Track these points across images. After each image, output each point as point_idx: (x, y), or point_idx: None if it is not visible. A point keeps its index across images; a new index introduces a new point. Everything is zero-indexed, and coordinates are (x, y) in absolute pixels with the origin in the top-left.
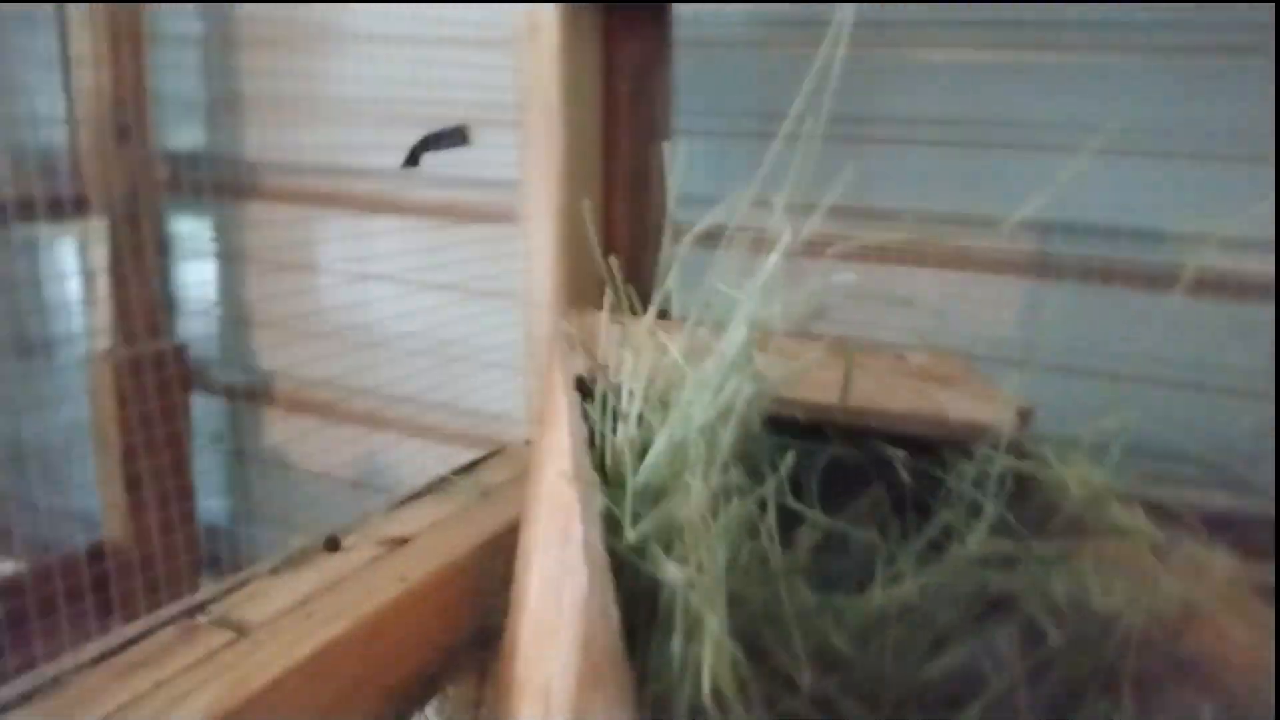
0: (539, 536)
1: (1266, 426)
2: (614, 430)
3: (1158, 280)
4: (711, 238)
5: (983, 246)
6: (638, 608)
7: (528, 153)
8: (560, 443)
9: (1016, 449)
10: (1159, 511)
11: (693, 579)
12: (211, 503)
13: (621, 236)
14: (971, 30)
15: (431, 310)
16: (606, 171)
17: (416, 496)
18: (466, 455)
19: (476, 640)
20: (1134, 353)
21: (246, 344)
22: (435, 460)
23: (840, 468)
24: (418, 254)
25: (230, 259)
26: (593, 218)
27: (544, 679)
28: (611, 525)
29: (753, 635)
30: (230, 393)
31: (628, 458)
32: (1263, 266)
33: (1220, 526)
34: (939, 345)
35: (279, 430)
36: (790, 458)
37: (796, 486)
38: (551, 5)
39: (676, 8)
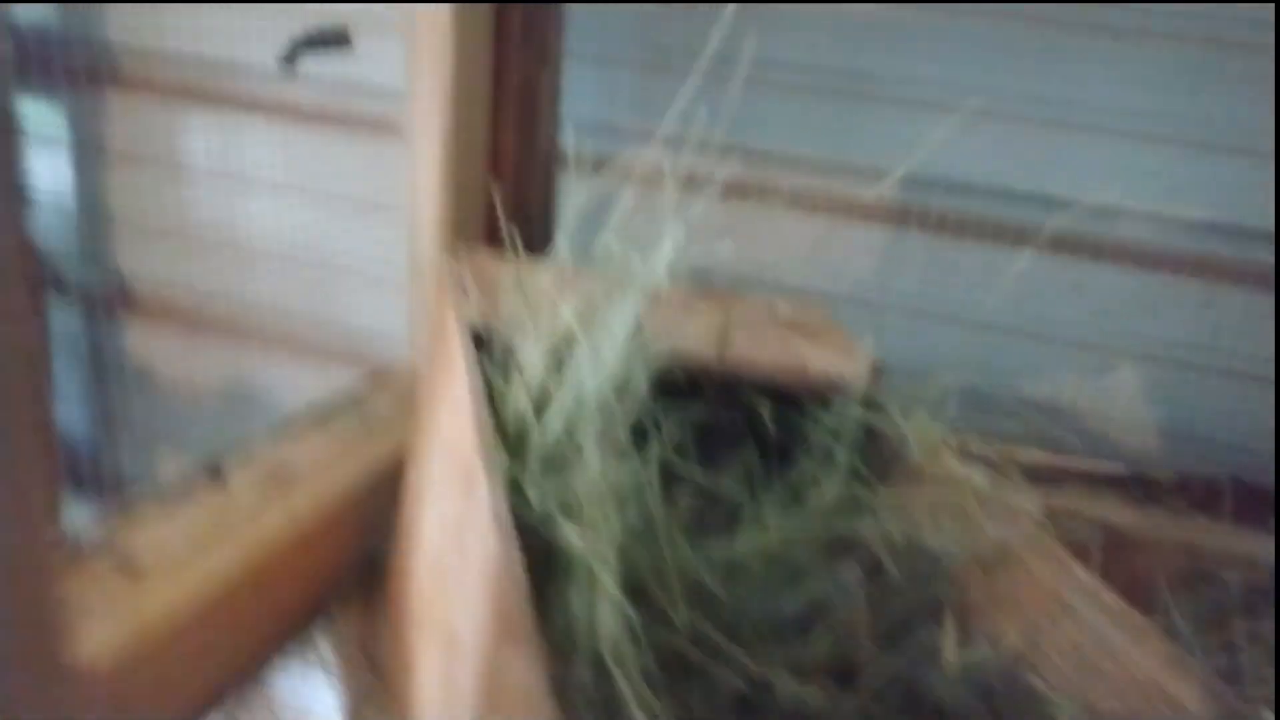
0: (434, 477)
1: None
2: (508, 382)
3: (1009, 236)
4: (603, 167)
5: (851, 194)
6: (538, 565)
7: (415, 68)
8: (457, 394)
9: (868, 402)
10: (985, 460)
11: (591, 545)
12: (70, 414)
13: (508, 163)
14: None
15: (306, 221)
16: (495, 93)
17: (299, 425)
18: (342, 374)
19: (362, 569)
20: (981, 303)
21: (104, 245)
22: (309, 377)
23: (716, 416)
24: (293, 160)
25: (85, 151)
26: (480, 141)
27: (447, 622)
28: (513, 484)
29: (639, 584)
30: (86, 297)
31: (527, 422)
32: (1105, 228)
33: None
34: (805, 287)
35: (140, 339)
36: (671, 424)
37: (678, 441)
38: None
39: None
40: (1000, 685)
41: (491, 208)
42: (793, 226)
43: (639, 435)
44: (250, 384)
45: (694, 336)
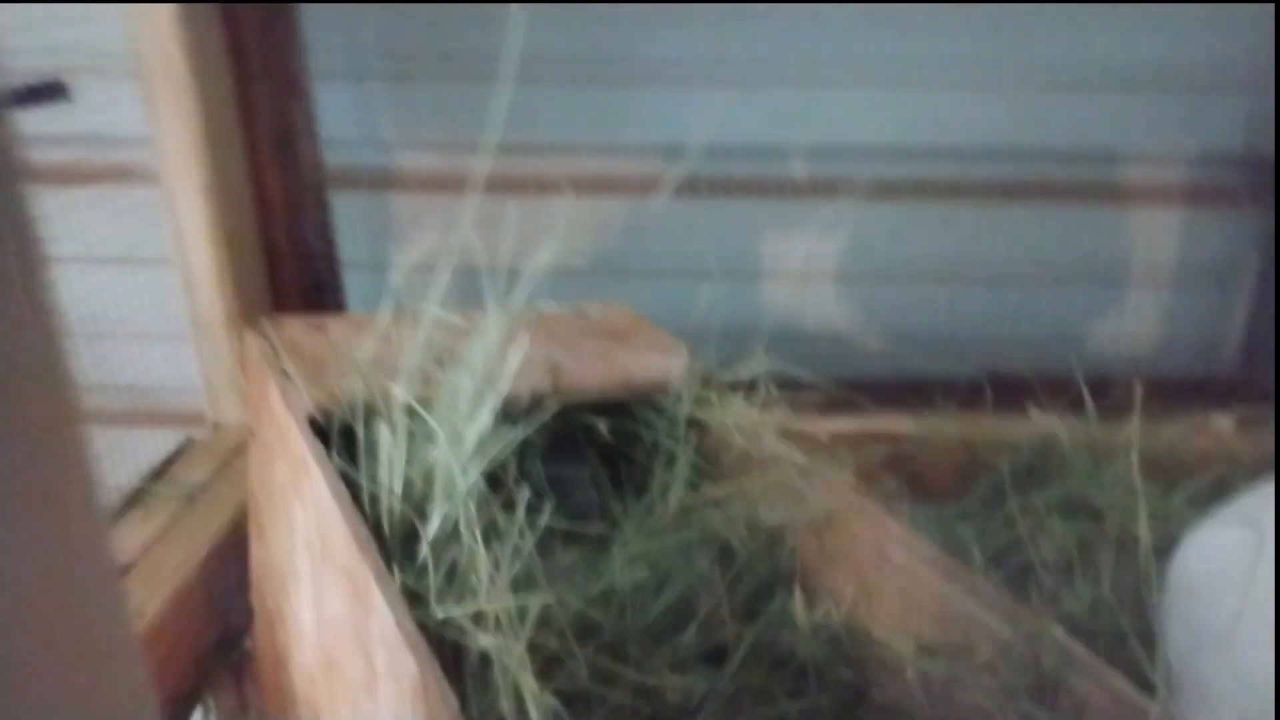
0: (300, 573)
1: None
2: (360, 470)
3: (770, 188)
4: (384, 183)
5: (625, 171)
6: (448, 667)
7: (159, 123)
8: (314, 494)
9: (692, 397)
10: (799, 433)
11: (504, 647)
12: None
13: (275, 197)
14: None
15: (76, 292)
16: (248, 131)
17: (118, 513)
18: (146, 437)
19: (224, 646)
20: (753, 253)
21: None
22: (113, 447)
23: (556, 440)
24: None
25: None
26: (242, 182)
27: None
28: (403, 588)
29: (534, 644)
30: None
31: (395, 516)
32: (850, 169)
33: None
34: (597, 268)
35: None
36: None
37: (526, 470)
38: None
39: None
40: (845, 634)
41: (270, 249)
42: (577, 211)
43: (493, 483)
44: None
45: (524, 372)
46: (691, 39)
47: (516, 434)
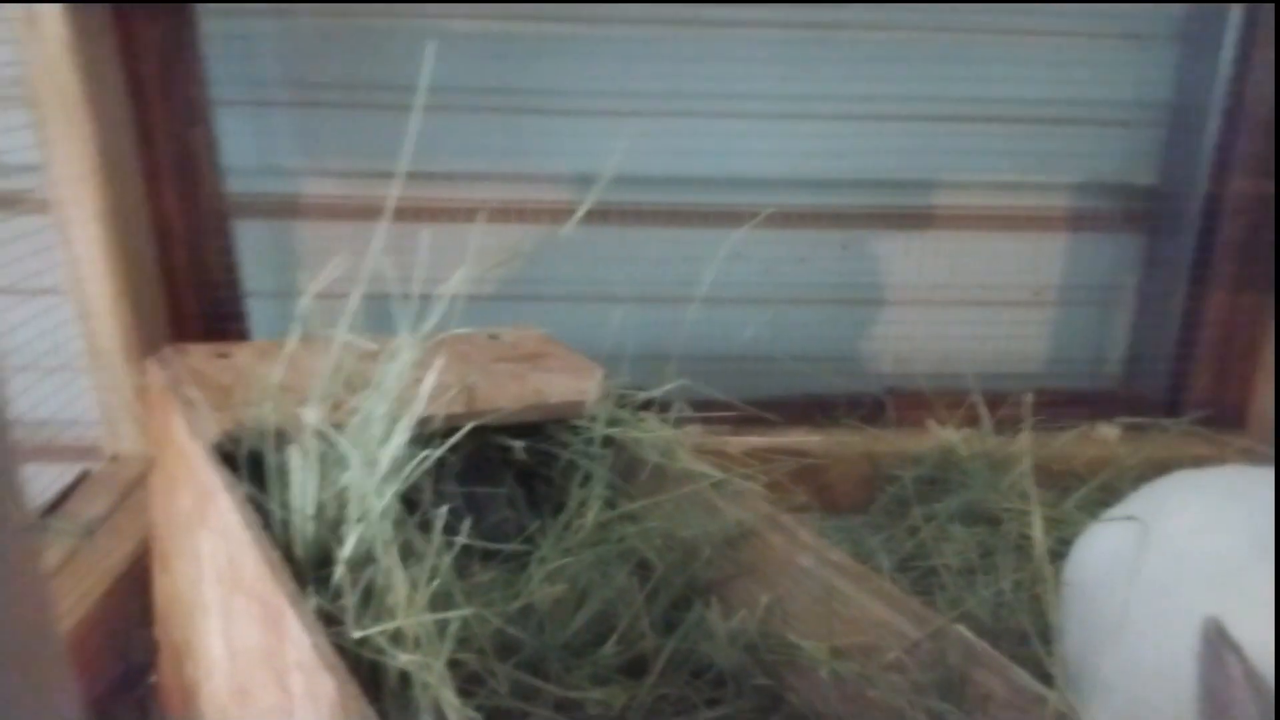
0: (208, 602)
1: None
2: (271, 496)
3: (677, 218)
4: (288, 210)
5: (530, 200)
6: (367, 687)
7: (51, 150)
8: (222, 521)
9: (606, 416)
10: (712, 450)
11: (423, 666)
12: None
13: (176, 226)
14: (493, 3)
15: None
16: (146, 159)
17: None
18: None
19: (128, 681)
20: (663, 279)
21: None
22: None
23: (472, 461)
24: None
25: None
26: (140, 209)
27: None
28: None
29: (454, 663)
30: None
31: (306, 538)
32: (754, 198)
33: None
34: (505, 294)
35: None
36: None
37: (442, 491)
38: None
39: None
40: (761, 642)
41: (170, 277)
42: (488, 238)
43: (409, 504)
44: None
45: (437, 394)
46: (599, 71)
47: (430, 454)
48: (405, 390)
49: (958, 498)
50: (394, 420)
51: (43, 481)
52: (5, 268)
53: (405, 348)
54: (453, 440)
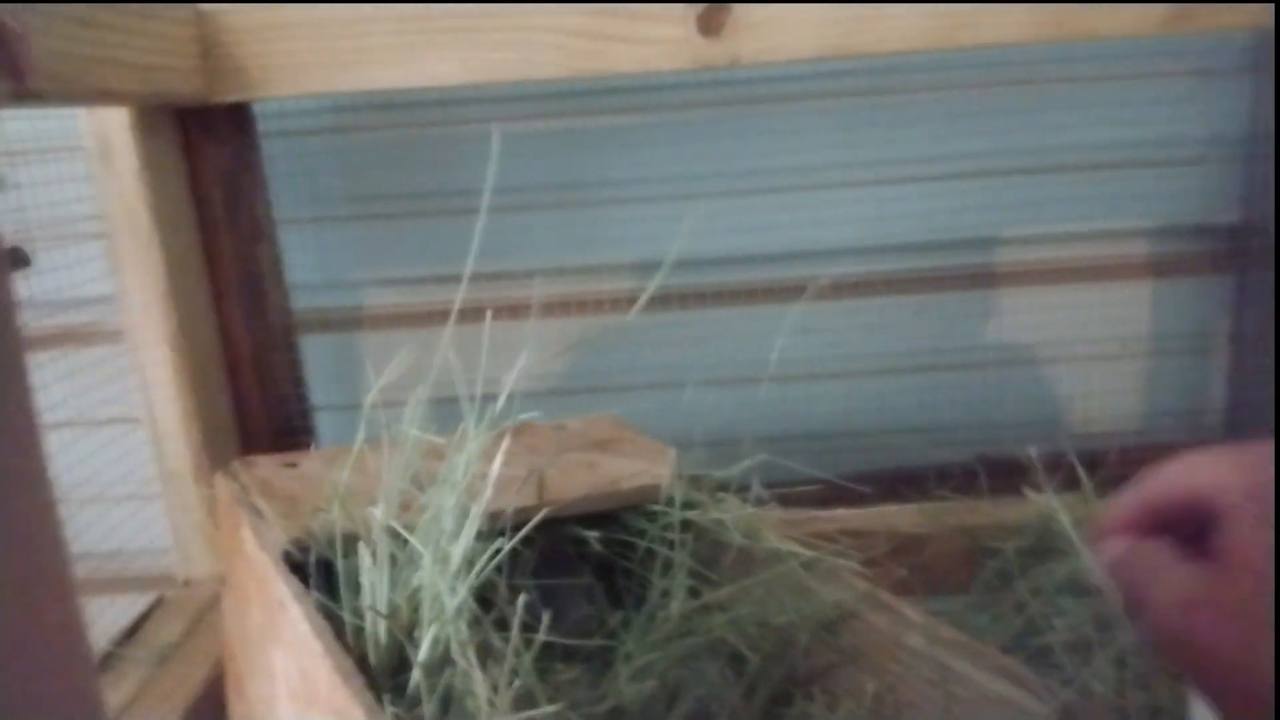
0: (280, 716)
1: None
2: (343, 604)
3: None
4: (352, 323)
5: (597, 289)
6: None
7: (123, 279)
8: (294, 634)
9: (680, 501)
10: (798, 529)
11: None
12: None
13: (244, 345)
14: (540, 102)
15: None
16: (214, 281)
17: None
18: (110, 604)
19: None
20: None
21: None
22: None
23: (548, 551)
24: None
25: None
26: (208, 331)
27: None
28: None
29: None
30: None
31: (383, 648)
32: (819, 270)
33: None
34: (570, 387)
35: None
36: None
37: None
38: (124, 127)
39: (258, 104)
40: None
41: (239, 396)
42: (551, 332)
43: (484, 603)
44: None
45: (507, 486)
46: (652, 158)
47: (504, 546)
48: (473, 484)
49: (1064, 568)
50: (463, 514)
51: (115, 612)
52: (75, 398)
53: (471, 439)
54: (524, 532)
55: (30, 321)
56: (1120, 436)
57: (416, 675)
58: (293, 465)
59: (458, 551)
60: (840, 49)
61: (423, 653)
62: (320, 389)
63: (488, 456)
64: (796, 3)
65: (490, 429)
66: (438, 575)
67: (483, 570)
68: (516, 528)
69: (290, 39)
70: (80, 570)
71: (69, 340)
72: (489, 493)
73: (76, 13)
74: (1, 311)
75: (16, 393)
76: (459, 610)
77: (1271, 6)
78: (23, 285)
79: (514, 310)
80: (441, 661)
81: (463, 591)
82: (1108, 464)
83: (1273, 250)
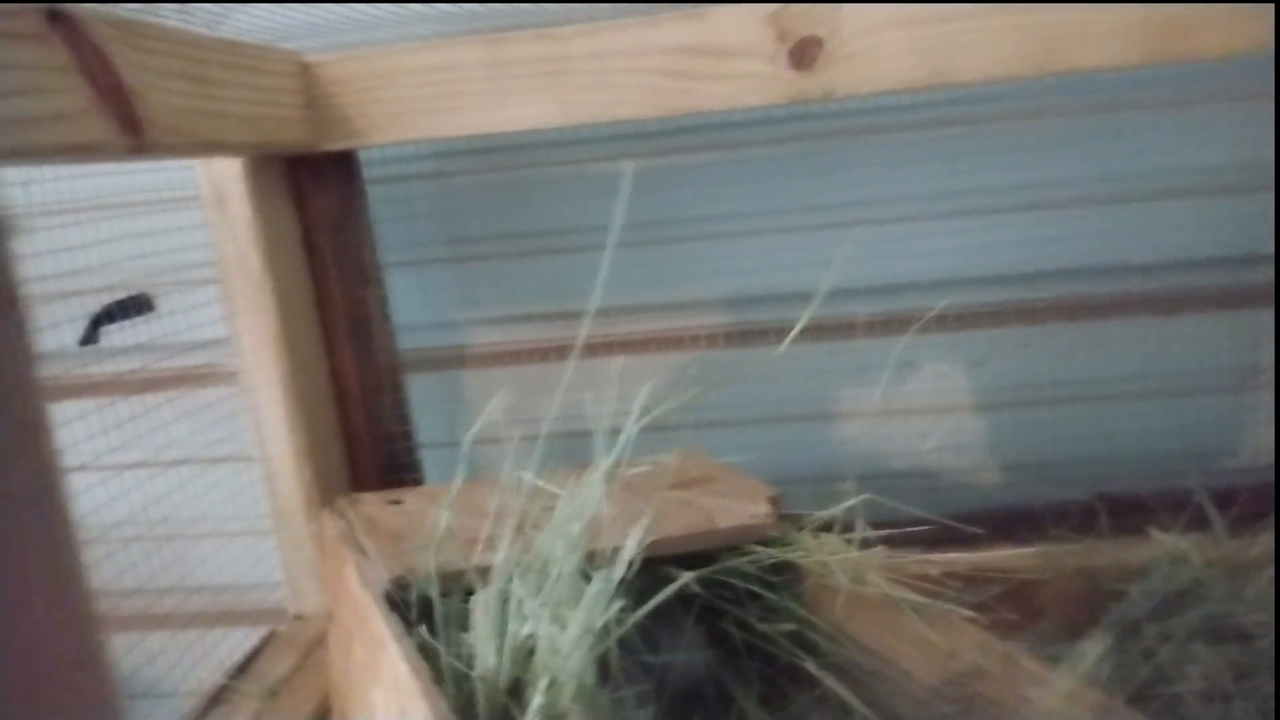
0: None
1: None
2: (446, 644)
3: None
4: (455, 361)
5: (688, 326)
6: None
7: (237, 322)
8: (393, 673)
9: (779, 540)
10: (906, 573)
11: None
12: None
13: (353, 385)
14: (630, 142)
15: (152, 494)
16: (324, 323)
17: (201, 715)
18: (222, 639)
19: None
20: (833, 397)
21: None
22: (191, 651)
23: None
24: (123, 436)
25: None
26: (319, 372)
27: None
28: None
29: None
30: None
31: (487, 692)
32: (920, 303)
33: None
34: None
35: None
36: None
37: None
38: (236, 176)
39: (362, 151)
40: None
41: (348, 434)
42: (648, 369)
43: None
44: (127, 676)
45: (609, 529)
46: (747, 193)
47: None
48: (579, 528)
49: (1196, 612)
50: (573, 562)
51: (228, 646)
52: (192, 437)
53: (574, 484)
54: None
55: (150, 364)
56: (1252, 473)
57: None
58: (398, 502)
59: (577, 617)
60: (933, 79)
61: (533, 708)
62: (425, 427)
63: (594, 502)
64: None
65: (598, 473)
66: (554, 633)
67: (603, 639)
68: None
69: (390, 88)
70: (195, 604)
71: (187, 381)
72: (595, 538)
73: (187, 69)
74: (17, 356)
75: (36, 435)
76: (579, 675)
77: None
78: (145, 329)
79: (608, 347)
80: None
81: (576, 652)
82: (1239, 502)
83: None
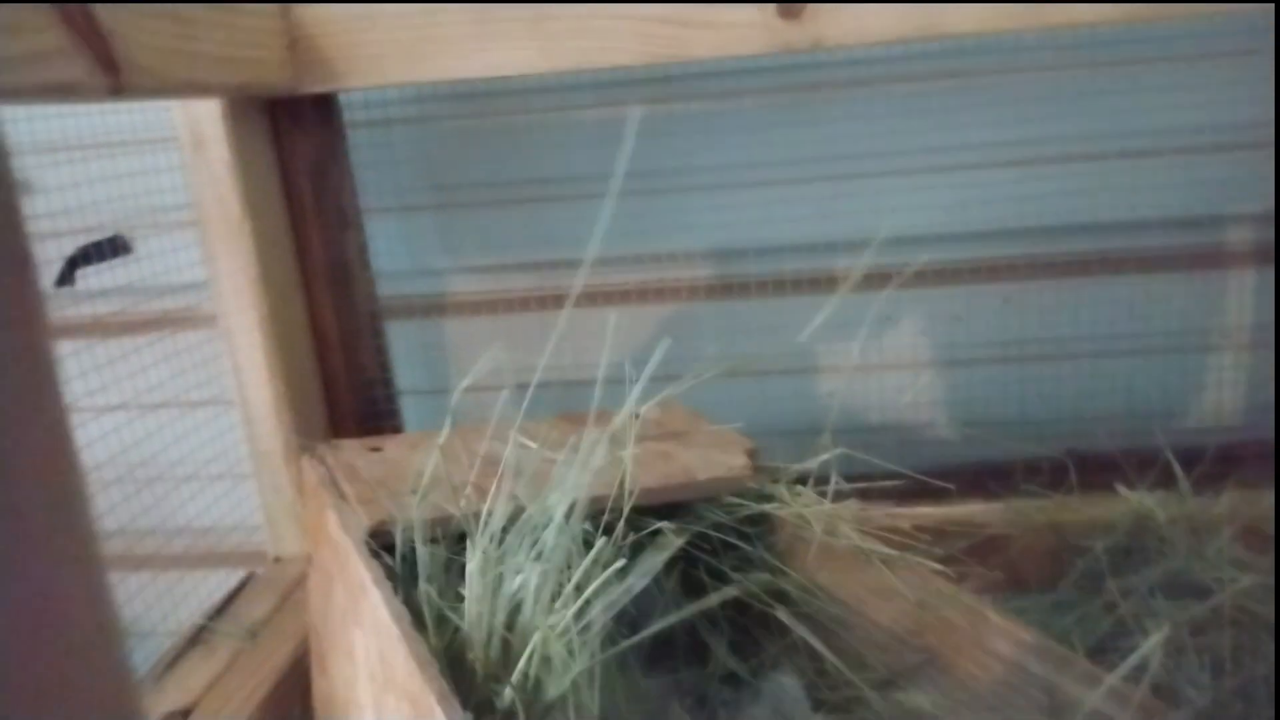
0: (360, 703)
1: (921, 394)
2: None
3: (819, 285)
4: (436, 309)
5: (670, 278)
6: None
7: (215, 265)
8: (374, 618)
9: (755, 492)
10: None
11: None
12: None
13: (332, 330)
14: (616, 89)
15: (135, 437)
16: (303, 268)
17: (180, 654)
18: (204, 579)
19: None
20: (811, 350)
21: None
22: (172, 591)
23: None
24: (96, 373)
25: None
26: (298, 316)
27: None
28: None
29: None
30: None
31: (473, 640)
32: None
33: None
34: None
35: None
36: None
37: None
38: (215, 118)
39: (343, 95)
40: None
41: (327, 379)
42: (628, 319)
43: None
44: None
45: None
46: (731, 144)
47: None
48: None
49: (1157, 568)
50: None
51: (208, 587)
52: (171, 381)
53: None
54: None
55: (130, 306)
56: (1219, 433)
57: (508, 694)
58: (377, 449)
59: (572, 576)
60: (923, 30)
61: (517, 672)
62: (404, 373)
63: (562, 445)
64: None
65: (574, 421)
66: (544, 588)
67: (593, 602)
68: (593, 517)
69: (373, 30)
70: (176, 545)
71: (167, 325)
72: (576, 487)
73: (167, 9)
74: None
75: (43, 379)
76: (563, 628)
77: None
78: (124, 271)
79: (590, 298)
80: (538, 661)
81: (566, 612)
82: (1206, 461)
83: None
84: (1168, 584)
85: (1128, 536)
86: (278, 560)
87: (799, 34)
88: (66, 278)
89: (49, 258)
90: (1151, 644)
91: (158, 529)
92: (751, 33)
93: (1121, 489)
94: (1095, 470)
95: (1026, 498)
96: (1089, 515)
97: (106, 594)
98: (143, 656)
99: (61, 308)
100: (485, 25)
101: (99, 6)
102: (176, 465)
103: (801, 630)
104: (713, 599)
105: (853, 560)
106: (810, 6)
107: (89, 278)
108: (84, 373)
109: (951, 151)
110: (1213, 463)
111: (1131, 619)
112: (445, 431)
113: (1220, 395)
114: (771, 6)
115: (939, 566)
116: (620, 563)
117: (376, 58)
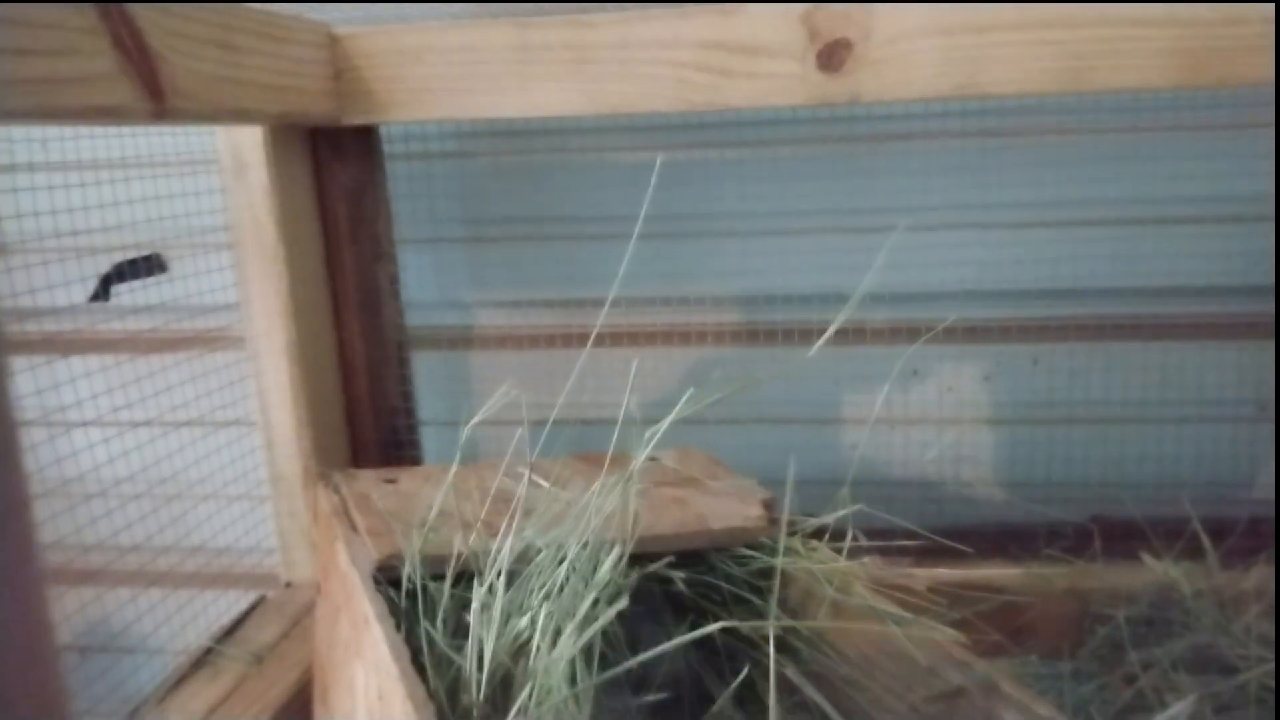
0: None
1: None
2: (431, 631)
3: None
4: (463, 341)
5: (694, 322)
6: None
7: (249, 288)
8: (376, 655)
9: (770, 545)
10: (894, 586)
11: None
12: None
13: (358, 357)
14: (653, 134)
15: (156, 454)
16: (334, 295)
17: (185, 676)
18: (216, 599)
19: None
20: (836, 401)
21: None
22: (183, 611)
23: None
24: (131, 395)
25: None
26: (326, 343)
27: None
28: None
29: None
30: None
31: (470, 679)
32: (930, 313)
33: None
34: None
35: None
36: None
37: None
38: (257, 144)
39: (384, 126)
40: None
41: (350, 406)
42: (650, 362)
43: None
44: (118, 632)
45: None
46: (763, 192)
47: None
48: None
49: (1181, 642)
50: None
51: (219, 608)
52: (198, 401)
53: (561, 471)
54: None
55: (163, 325)
56: (1250, 505)
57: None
58: (392, 481)
59: (575, 620)
60: (962, 89)
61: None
62: (428, 404)
63: (575, 484)
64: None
65: (591, 463)
66: (549, 633)
67: (588, 634)
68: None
69: (416, 65)
70: (191, 564)
71: (198, 344)
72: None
73: (215, 35)
74: None
75: None
76: (561, 668)
77: None
78: (158, 291)
79: (615, 338)
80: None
81: (566, 649)
82: (1235, 534)
83: None
84: (1191, 658)
85: (1151, 607)
86: (289, 585)
87: (838, 87)
88: (101, 294)
89: (85, 275)
90: (1173, 713)
91: (174, 546)
92: (791, 84)
93: (1147, 558)
94: (1120, 538)
95: (1048, 562)
96: (1112, 583)
97: (43, 610)
98: (150, 674)
99: (94, 323)
100: (528, 65)
101: (150, 31)
102: (197, 484)
103: (810, 689)
104: (694, 634)
105: (866, 620)
106: (850, 60)
107: (122, 295)
108: (111, 389)
109: (986, 209)
110: (1242, 535)
111: (1152, 692)
112: (454, 467)
113: (1254, 467)
114: (812, 59)
115: (954, 633)
116: (623, 603)
117: (420, 92)
